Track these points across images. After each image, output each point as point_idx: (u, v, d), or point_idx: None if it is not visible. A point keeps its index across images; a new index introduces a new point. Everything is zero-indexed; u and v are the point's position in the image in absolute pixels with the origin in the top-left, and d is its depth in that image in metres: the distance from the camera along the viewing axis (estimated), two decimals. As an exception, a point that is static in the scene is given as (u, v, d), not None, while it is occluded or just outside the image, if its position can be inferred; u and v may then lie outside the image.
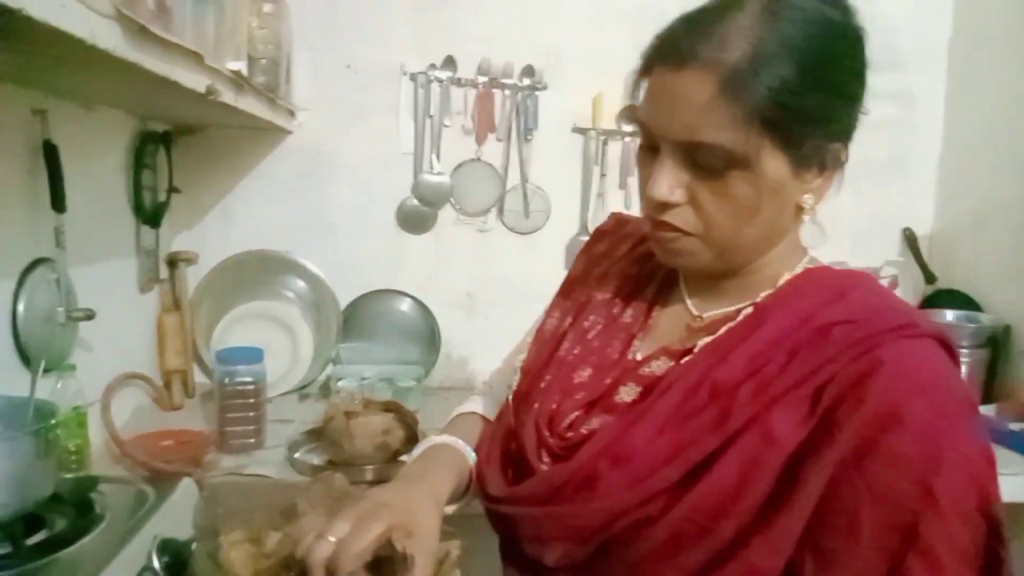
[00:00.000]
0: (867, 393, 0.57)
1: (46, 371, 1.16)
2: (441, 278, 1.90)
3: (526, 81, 1.82)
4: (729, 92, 0.59)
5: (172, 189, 1.70)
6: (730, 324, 0.68)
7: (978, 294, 1.84)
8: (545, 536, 0.69)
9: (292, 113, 1.75)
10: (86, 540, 0.80)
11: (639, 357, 0.73)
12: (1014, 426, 1.56)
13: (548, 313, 0.85)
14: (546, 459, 0.72)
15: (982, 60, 1.87)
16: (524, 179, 1.87)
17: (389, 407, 1.46)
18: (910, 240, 1.99)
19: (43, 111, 1.15)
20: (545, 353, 0.79)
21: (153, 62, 0.87)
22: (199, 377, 1.81)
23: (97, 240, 1.43)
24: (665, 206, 0.65)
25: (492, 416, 0.88)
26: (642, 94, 0.66)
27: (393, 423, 1.39)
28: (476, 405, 0.93)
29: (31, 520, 0.82)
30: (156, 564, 0.82)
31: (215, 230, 1.83)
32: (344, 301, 1.86)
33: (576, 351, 0.77)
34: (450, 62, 1.81)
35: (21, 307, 1.14)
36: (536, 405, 0.74)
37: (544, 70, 1.82)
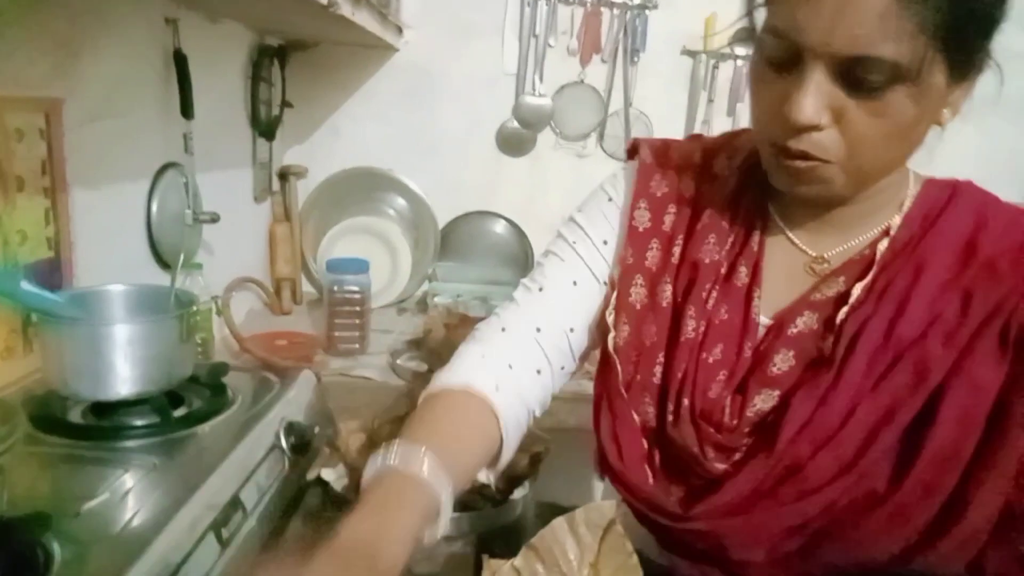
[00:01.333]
0: None
1: (174, 267, 1.26)
2: (537, 202, 1.91)
3: (636, 0, 1.77)
4: (916, 3, 0.51)
5: (285, 103, 1.76)
6: (875, 269, 0.62)
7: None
8: (754, 541, 0.63)
9: (400, 30, 1.77)
10: (220, 419, 0.88)
11: (766, 318, 0.66)
12: None
13: (626, 279, 0.71)
14: (711, 455, 0.65)
15: None
16: (627, 103, 1.83)
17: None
18: (1041, 182, 1.85)
19: (175, 20, 1.20)
20: (663, 334, 0.69)
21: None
22: (305, 286, 1.91)
23: (219, 149, 1.51)
24: (806, 130, 0.57)
25: (504, 388, 0.70)
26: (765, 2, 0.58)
27: None
28: (471, 370, 0.72)
29: (173, 397, 0.91)
30: (283, 443, 0.90)
31: (323, 145, 1.89)
32: (442, 221, 1.91)
33: (702, 328, 0.67)
34: (558, -21, 1.77)
35: (155, 207, 1.23)
36: (686, 401, 0.66)
37: None
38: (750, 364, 0.65)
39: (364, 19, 1.41)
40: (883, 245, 0.63)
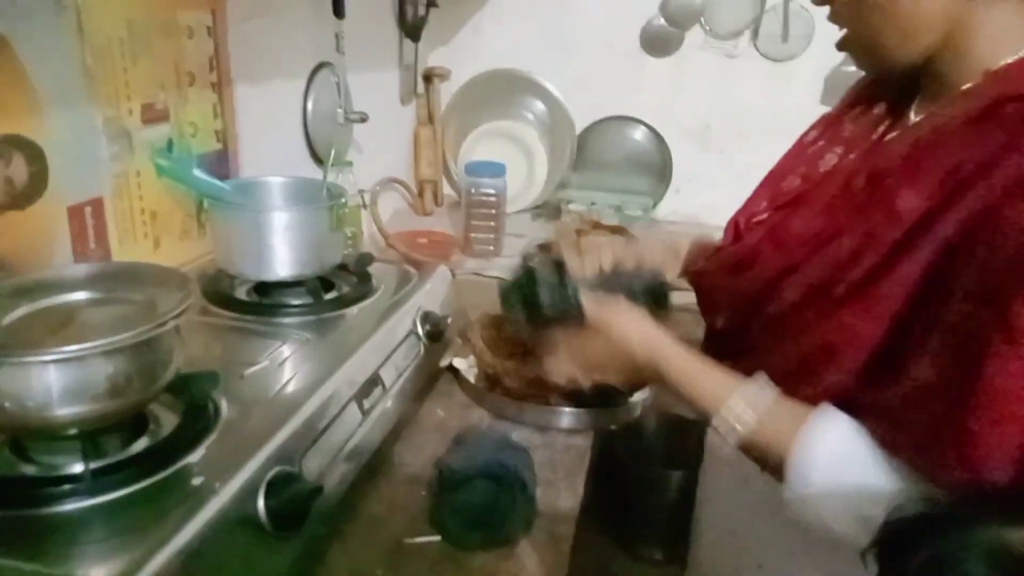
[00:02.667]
0: (1002, 159, 0.55)
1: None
2: (678, 106, 1.84)
3: None
4: None
5: (431, 3, 1.76)
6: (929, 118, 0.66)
7: None
8: (715, 305, 0.80)
9: (546, -78, 1.70)
10: (365, 303, 0.95)
11: (854, 167, 0.71)
12: None
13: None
14: (731, 245, 0.83)
15: None
16: (788, -2, 1.68)
17: (615, 230, 1.50)
18: None
19: (328, -82, 1.23)
20: (779, 163, 0.84)
21: None
22: (446, 188, 1.97)
23: (368, 50, 1.55)
24: (825, 4, 0.69)
25: None
26: None
27: (619, 242, 1.43)
28: None
29: (325, 282, 0.99)
30: (420, 330, 0.96)
31: (466, 47, 1.89)
32: (580, 125, 1.88)
33: (789, 161, 0.81)
34: None
35: (310, 105, 1.30)
36: (747, 203, 0.83)
37: None
38: (805, 192, 0.75)
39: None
40: (944, 103, 0.65)
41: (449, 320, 1.01)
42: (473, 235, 1.58)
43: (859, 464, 0.59)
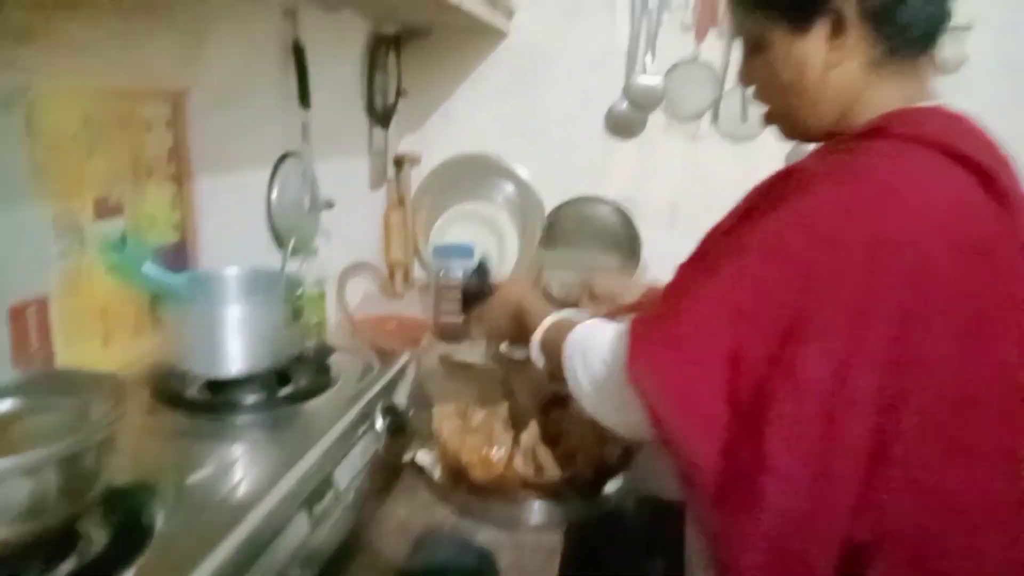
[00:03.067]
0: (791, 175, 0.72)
1: (293, 252, 1.32)
2: (646, 187, 1.86)
3: None
4: None
5: (400, 91, 1.80)
6: None
7: None
8: None
9: (511, 14, 1.76)
10: (322, 397, 0.92)
11: None
12: None
13: None
14: None
15: None
16: (746, 81, 1.73)
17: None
18: None
19: (293, 11, 1.25)
20: None
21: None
22: (417, 270, 1.96)
23: (336, 138, 1.57)
24: (746, 86, 0.84)
25: None
26: None
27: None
28: None
29: (280, 375, 0.95)
30: (379, 425, 0.92)
31: (436, 132, 1.92)
32: (549, 205, 1.89)
33: None
34: (674, -48, 1.69)
35: (275, 194, 1.29)
36: None
37: None
38: None
39: (474, 4, 1.41)
40: None
41: (411, 413, 0.98)
42: (443, 319, 1.56)
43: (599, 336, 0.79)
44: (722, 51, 1.74)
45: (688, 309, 0.69)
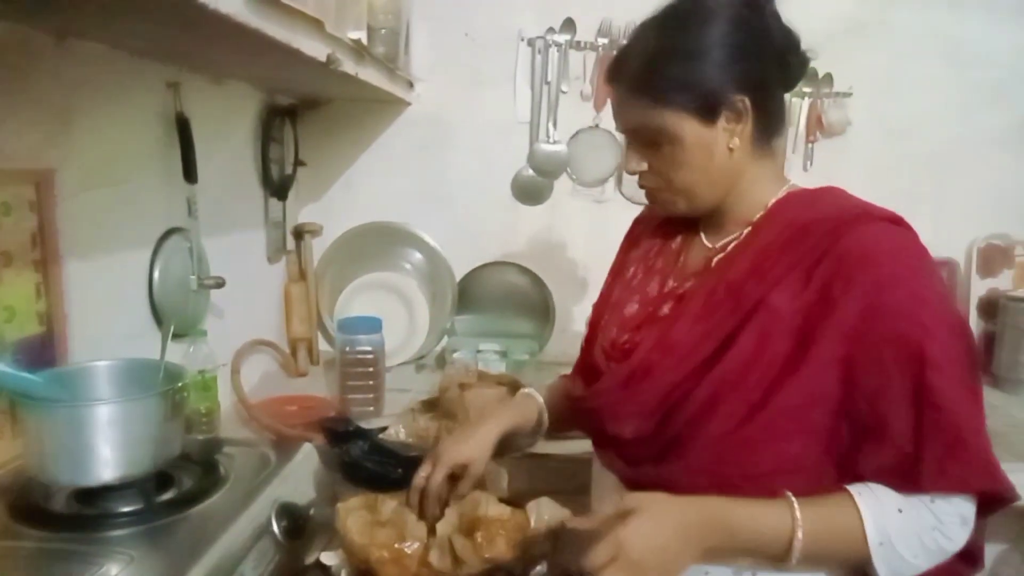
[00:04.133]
0: (851, 270, 0.77)
1: (179, 336, 1.22)
2: (556, 250, 1.86)
3: None
4: (633, 90, 0.86)
5: (298, 162, 1.75)
6: (736, 241, 0.89)
7: None
8: (622, 415, 0.89)
9: (411, 84, 1.75)
10: (211, 500, 0.83)
11: (674, 286, 0.94)
12: None
13: (603, 286, 1.11)
14: (602, 361, 0.96)
15: None
16: (645, 146, 1.77)
17: (502, 380, 1.45)
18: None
19: (176, 84, 1.19)
20: (601, 305, 1.05)
21: (275, 28, 0.87)
22: (322, 345, 1.87)
23: (228, 211, 1.49)
24: (638, 174, 0.91)
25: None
26: None
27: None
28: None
29: (161, 478, 0.86)
30: (275, 527, 0.83)
31: (338, 202, 1.87)
32: (459, 272, 1.86)
33: (624, 294, 0.99)
34: (569, 24, 1.74)
35: (156, 274, 1.20)
36: (599, 337, 0.98)
37: None
38: (649, 314, 0.94)
39: (370, 75, 1.39)
40: (746, 231, 0.89)
41: (312, 510, 0.89)
42: (350, 396, 1.47)
43: (912, 521, 0.76)
44: None
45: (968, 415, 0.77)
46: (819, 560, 0.78)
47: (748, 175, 0.88)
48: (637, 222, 1.13)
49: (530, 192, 1.83)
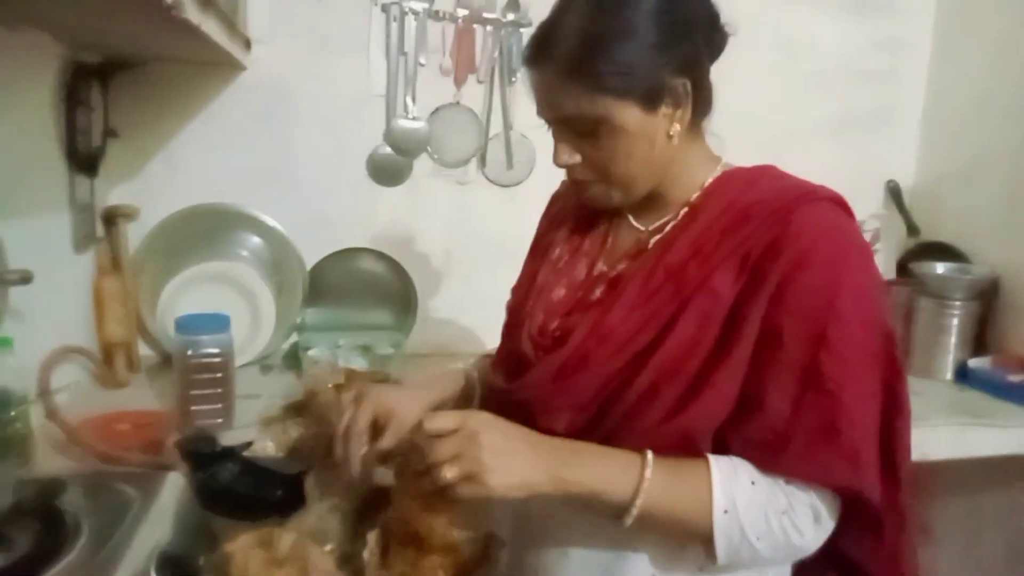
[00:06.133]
0: (783, 245, 0.75)
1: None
2: (417, 235, 1.75)
3: (510, 16, 1.65)
4: (568, 75, 0.77)
5: (109, 132, 1.48)
6: (673, 223, 0.84)
7: (963, 246, 1.82)
8: (554, 408, 0.82)
9: (248, 44, 1.54)
10: (64, 563, 0.63)
11: (604, 269, 0.88)
12: (1013, 378, 1.55)
13: (523, 268, 1.01)
14: (530, 351, 0.88)
15: (973, 5, 1.83)
16: (507, 126, 1.71)
17: (375, 377, 1.31)
18: (894, 192, 1.96)
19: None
20: (524, 287, 0.96)
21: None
22: (144, 349, 1.61)
23: (25, 190, 1.20)
24: (568, 167, 0.84)
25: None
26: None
27: None
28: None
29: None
30: (158, 585, 0.66)
31: (159, 181, 1.60)
32: (310, 261, 1.68)
33: (550, 278, 0.92)
34: (427, -9, 1.62)
35: (-60, 270, 0.92)
36: (525, 323, 0.90)
37: (530, 4, 1.65)
38: (579, 298, 0.88)
39: (211, 28, 1.17)
40: (683, 211, 0.85)
41: (201, 561, 0.72)
42: (195, 408, 1.26)
43: (763, 497, 0.74)
44: (483, 97, 1.70)
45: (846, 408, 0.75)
46: (660, 522, 0.75)
47: (682, 157, 0.84)
48: (556, 197, 1.06)
49: (388, 172, 1.69)
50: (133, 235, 1.58)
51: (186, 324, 1.28)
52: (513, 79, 1.69)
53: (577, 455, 0.76)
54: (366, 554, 0.77)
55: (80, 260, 1.46)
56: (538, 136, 1.77)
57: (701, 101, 0.82)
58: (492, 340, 1.04)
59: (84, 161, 1.39)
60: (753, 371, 0.76)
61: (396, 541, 0.81)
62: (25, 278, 1.03)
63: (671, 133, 0.81)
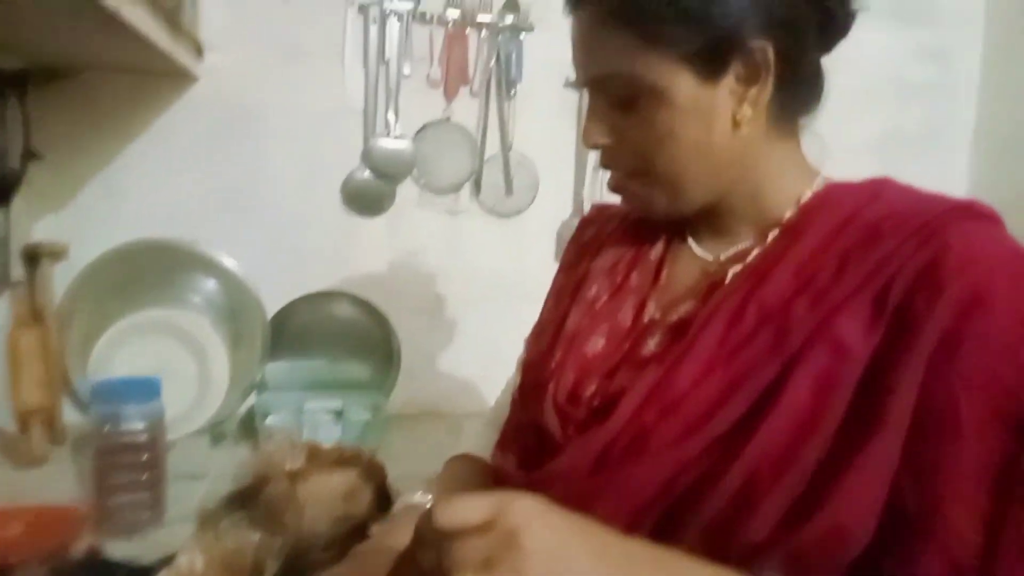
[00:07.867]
0: (941, 277, 0.54)
1: None
2: (400, 274, 1.54)
3: (507, 19, 1.48)
4: (603, 19, 0.62)
5: (30, 154, 1.28)
6: (758, 249, 0.65)
7: None
8: (596, 512, 0.55)
9: (200, 51, 1.34)
10: None
11: (657, 317, 0.69)
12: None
13: (544, 305, 0.83)
14: (555, 426, 0.68)
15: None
16: (506, 146, 1.52)
17: (344, 456, 1.06)
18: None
19: None
20: (549, 334, 0.76)
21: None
22: (70, 415, 1.37)
23: None
24: (602, 152, 0.68)
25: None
26: None
27: (356, 482, 1.01)
28: (474, 442, 0.87)
29: None
30: None
31: (93, 212, 1.40)
32: (272, 307, 1.47)
33: (583, 323, 0.72)
34: (411, -11, 1.46)
35: None
36: (550, 386, 0.69)
37: (531, 5, 1.48)
38: (626, 353, 0.68)
39: (139, 18, 0.95)
40: (774, 234, 0.66)
41: None
42: (114, 500, 1.02)
43: None
44: (477, 112, 1.51)
45: None
46: None
47: (763, 160, 0.65)
48: (586, 223, 0.87)
49: (366, 199, 1.48)
50: (60, 278, 1.37)
51: (103, 392, 1.05)
52: (513, 92, 1.51)
53: (664, 572, 0.52)
54: None
55: (-11, 308, 1.23)
56: (541, 158, 1.64)
57: (794, 84, 0.63)
58: (490, 395, 0.89)
59: (-7, 188, 1.17)
60: (909, 469, 0.53)
61: None
62: None
63: (738, 118, 0.62)
